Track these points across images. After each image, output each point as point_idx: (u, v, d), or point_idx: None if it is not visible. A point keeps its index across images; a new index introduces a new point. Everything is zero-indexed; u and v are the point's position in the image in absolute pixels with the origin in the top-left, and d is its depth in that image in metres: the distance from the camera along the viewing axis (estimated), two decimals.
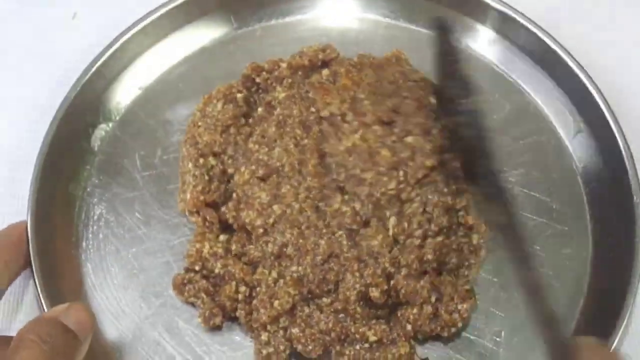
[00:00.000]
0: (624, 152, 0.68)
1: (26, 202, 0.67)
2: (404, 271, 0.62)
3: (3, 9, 0.81)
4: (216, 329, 0.65)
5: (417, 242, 0.63)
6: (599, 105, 0.70)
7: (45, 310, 0.63)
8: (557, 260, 0.67)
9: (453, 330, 0.63)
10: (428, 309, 0.63)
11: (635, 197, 0.66)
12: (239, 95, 0.71)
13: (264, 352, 0.63)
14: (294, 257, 0.63)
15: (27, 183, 0.68)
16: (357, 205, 0.64)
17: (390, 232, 0.63)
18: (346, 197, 0.64)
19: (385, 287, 0.62)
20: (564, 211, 0.69)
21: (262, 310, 0.62)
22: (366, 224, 0.64)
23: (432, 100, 0.68)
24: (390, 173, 0.64)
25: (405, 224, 0.63)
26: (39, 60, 0.78)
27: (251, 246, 0.65)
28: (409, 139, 0.65)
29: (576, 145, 0.72)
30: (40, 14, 0.80)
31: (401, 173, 0.64)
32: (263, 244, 0.64)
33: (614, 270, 0.65)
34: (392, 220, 0.63)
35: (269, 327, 0.63)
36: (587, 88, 0.71)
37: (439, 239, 0.64)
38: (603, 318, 0.64)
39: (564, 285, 0.67)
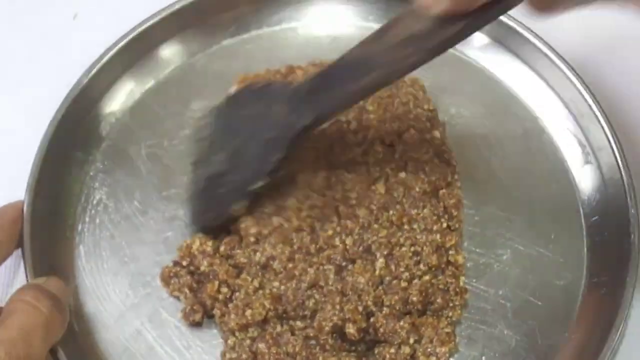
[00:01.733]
0: (626, 187, 0.67)
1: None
2: (385, 310, 0.62)
3: (2, 9, 0.81)
4: (197, 325, 0.65)
5: (404, 284, 0.63)
6: (609, 139, 0.69)
7: None
8: (549, 291, 0.66)
9: None
10: (406, 349, 0.62)
11: (632, 236, 0.65)
12: None
13: (228, 356, 0.63)
14: (279, 273, 0.63)
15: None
16: (349, 242, 0.63)
17: (377, 273, 0.63)
18: (338, 228, 0.64)
19: (364, 325, 0.61)
20: (561, 242, 0.68)
21: (232, 316, 0.62)
22: (353, 260, 0.63)
23: (437, 134, 0.68)
24: (382, 215, 0.64)
25: (393, 267, 0.63)
26: (39, 61, 0.78)
27: (239, 251, 0.65)
28: (402, 175, 0.66)
29: (582, 176, 0.71)
30: (41, 14, 0.81)
31: (391, 212, 0.64)
32: (251, 251, 0.64)
33: (603, 307, 0.64)
34: (380, 263, 0.63)
35: (237, 333, 0.62)
36: (597, 118, 0.70)
37: (426, 277, 0.63)
38: (589, 352, 0.63)
39: (553, 318, 0.66)
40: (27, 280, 0.64)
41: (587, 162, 0.71)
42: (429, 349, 0.62)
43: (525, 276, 0.67)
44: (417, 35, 0.57)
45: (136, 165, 0.72)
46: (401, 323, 0.62)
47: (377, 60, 0.59)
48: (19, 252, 0.66)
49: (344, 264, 0.63)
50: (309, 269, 0.63)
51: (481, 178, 0.71)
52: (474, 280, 0.66)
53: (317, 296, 0.62)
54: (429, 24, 0.56)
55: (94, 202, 0.71)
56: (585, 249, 0.68)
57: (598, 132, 0.70)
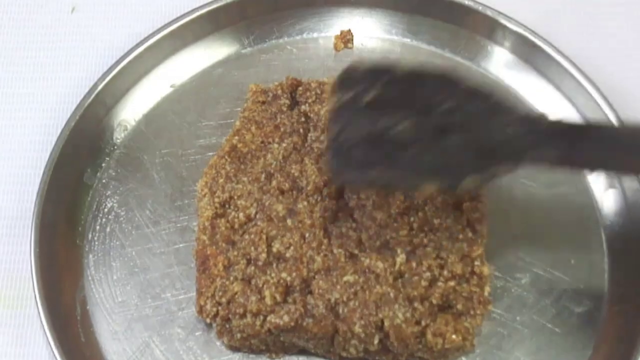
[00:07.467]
0: None
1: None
2: (401, 314, 0.59)
3: (2, 4, 0.81)
4: (208, 341, 0.64)
5: (424, 283, 0.60)
6: None
7: (37, 298, 0.63)
8: (568, 319, 0.65)
9: (435, 354, 0.61)
10: (414, 328, 0.60)
11: None
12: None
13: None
14: (288, 261, 0.61)
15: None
16: (364, 236, 0.62)
17: (397, 268, 0.61)
18: (354, 224, 0.63)
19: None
20: (582, 267, 0.67)
21: (253, 298, 0.60)
22: (368, 253, 0.62)
23: None
24: (402, 219, 0.62)
25: (414, 264, 0.61)
26: (40, 57, 0.78)
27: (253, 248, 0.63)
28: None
29: (605, 200, 0.69)
30: (39, 9, 0.80)
31: (412, 219, 0.62)
32: (267, 246, 0.62)
33: (621, 336, 0.63)
34: (401, 258, 0.61)
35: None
36: None
37: (451, 284, 0.61)
38: None
39: (571, 347, 0.64)
40: (34, 289, 0.63)
41: (610, 186, 0.69)
42: (439, 330, 0.60)
43: (544, 302, 0.65)
44: None
45: (149, 174, 0.71)
46: (415, 305, 0.60)
47: None
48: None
49: (356, 251, 0.62)
50: (316, 257, 0.61)
51: (501, 201, 0.69)
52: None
53: (321, 282, 0.61)
54: None
55: (105, 210, 0.69)
56: (606, 276, 0.66)
57: None
